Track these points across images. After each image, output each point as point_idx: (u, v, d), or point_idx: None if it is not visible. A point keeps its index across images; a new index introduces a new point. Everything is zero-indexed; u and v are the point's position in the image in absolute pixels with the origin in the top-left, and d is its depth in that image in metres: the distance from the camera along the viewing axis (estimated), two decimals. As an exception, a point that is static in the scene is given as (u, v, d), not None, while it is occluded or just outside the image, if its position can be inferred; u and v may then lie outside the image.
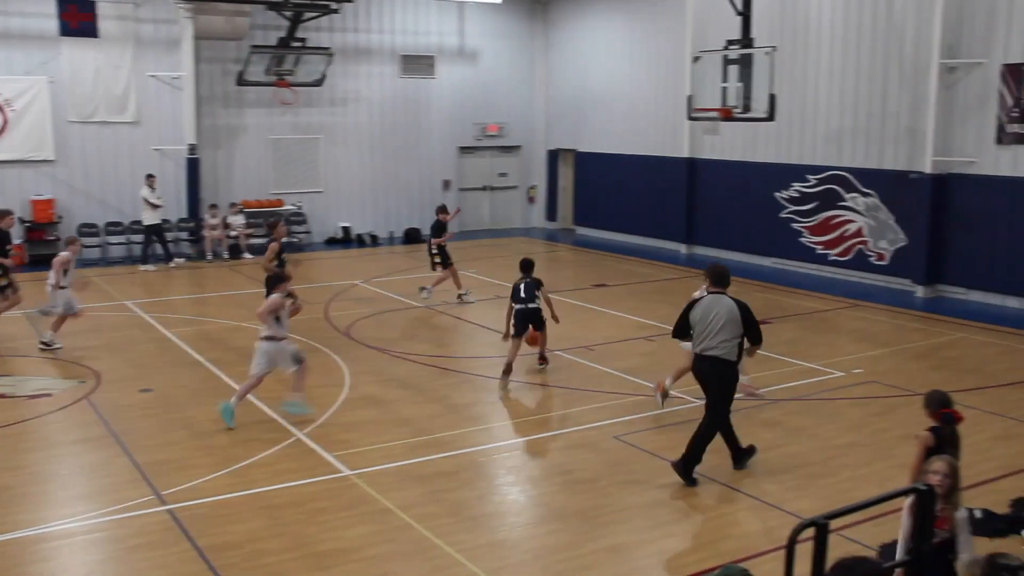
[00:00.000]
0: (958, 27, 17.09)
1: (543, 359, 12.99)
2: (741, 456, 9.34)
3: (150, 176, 21.50)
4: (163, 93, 22.74)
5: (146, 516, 8.25)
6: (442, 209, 17.60)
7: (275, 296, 10.81)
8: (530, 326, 12.38)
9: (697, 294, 9.79)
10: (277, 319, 10.62)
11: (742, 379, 10.12)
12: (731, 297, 9.19)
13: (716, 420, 9.10)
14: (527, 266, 12.90)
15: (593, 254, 18.60)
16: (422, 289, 17.40)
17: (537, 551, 7.65)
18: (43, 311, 14.12)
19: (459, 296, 17.28)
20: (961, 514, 6.08)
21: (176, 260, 21.66)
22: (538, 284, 12.62)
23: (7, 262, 14.36)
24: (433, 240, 17.20)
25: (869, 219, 18.99)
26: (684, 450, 9.00)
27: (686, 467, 8.95)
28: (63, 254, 14.00)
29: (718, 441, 9.21)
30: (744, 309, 9.03)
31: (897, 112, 18.37)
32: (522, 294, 12.43)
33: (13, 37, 21.12)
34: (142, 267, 21.14)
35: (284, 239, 14.63)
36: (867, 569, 4.54)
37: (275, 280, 11.52)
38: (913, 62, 17.97)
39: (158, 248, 21.49)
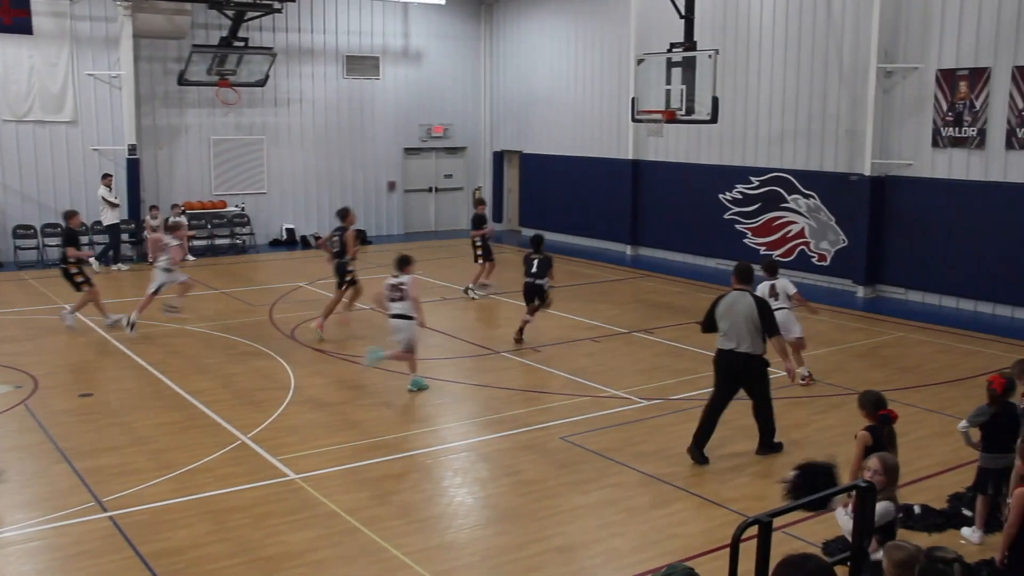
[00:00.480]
0: (895, 32, 17.44)
1: (520, 333, 14.34)
2: (700, 447, 9.70)
3: (106, 175, 21.36)
4: (102, 92, 22.35)
5: (86, 523, 8.08)
6: (480, 202, 18.95)
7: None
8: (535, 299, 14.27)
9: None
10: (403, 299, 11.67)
11: (799, 371, 11.80)
12: (751, 294, 9.84)
13: (769, 402, 9.93)
14: (536, 242, 14.51)
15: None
16: (467, 289, 18.18)
17: (485, 552, 7.64)
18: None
19: (467, 289, 18.14)
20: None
21: (120, 265, 21.32)
22: (549, 262, 14.32)
23: (81, 254, 15.21)
24: (473, 232, 18.22)
25: (811, 220, 19.28)
26: (761, 439, 9.91)
27: (770, 444, 9.91)
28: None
29: (671, 443, 9.27)
30: (761, 305, 9.68)
31: (837, 115, 18.68)
32: (533, 269, 14.30)
33: (-56, 34, 20.63)
34: (114, 266, 21.03)
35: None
36: (814, 566, 4.59)
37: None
38: (852, 66, 18.30)
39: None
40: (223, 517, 8.21)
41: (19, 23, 21.03)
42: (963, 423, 7.91)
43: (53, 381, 12.33)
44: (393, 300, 11.73)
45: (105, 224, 21.18)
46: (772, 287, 12.18)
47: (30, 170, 21.82)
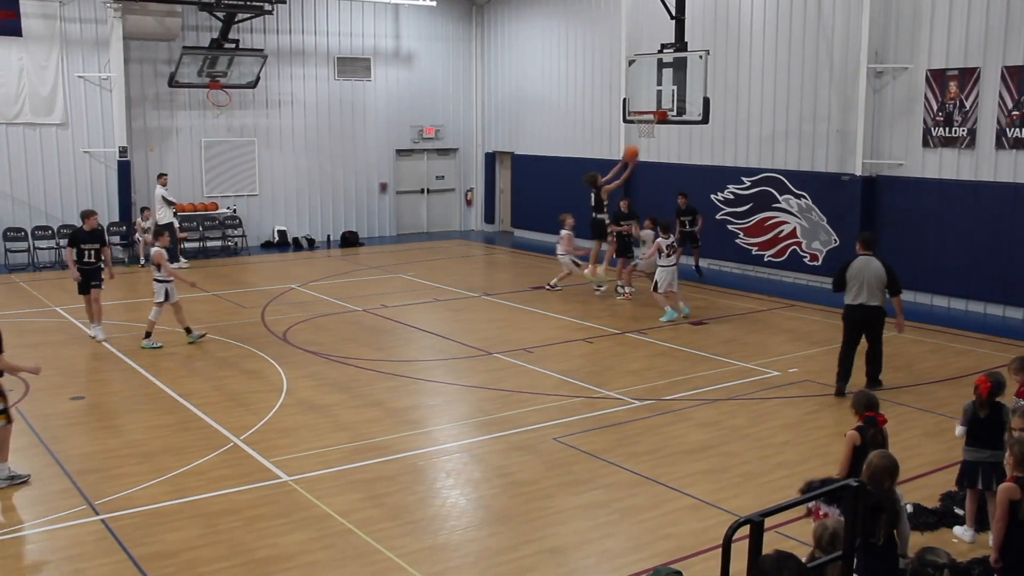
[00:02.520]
0: (885, 33, 17.50)
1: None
2: (844, 383, 11.75)
3: (162, 175, 21.80)
4: (92, 94, 22.28)
5: (78, 527, 8.06)
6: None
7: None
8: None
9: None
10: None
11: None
12: (878, 258, 11.67)
13: (882, 345, 12.02)
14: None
15: (531, 256, 18.66)
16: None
17: (478, 554, 7.64)
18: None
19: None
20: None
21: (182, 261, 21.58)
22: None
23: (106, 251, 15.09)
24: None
25: (802, 220, 19.32)
26: (869, 376, 11.95)
27: (876, 380, 11.94)
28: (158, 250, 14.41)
29: (664, 443, 9.26)
30: (888, 267, 11.60)
31: (828, 115, 18.73)
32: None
33: (-66, 36, 20.55)
34: (173, 264, 20.95)
35: None
36: (793, 567, 4.59)
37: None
38: (843, 66, 18.35)
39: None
40: (215, 520, 8.20)
41: (8, 25, 20.98)
42: (959, 428, 7.93)
43: (44, 384, 12.27)
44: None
45: (161, 223, 21.28)
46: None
47: (20, 173, 21.75)
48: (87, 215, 15.01)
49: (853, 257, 11.85)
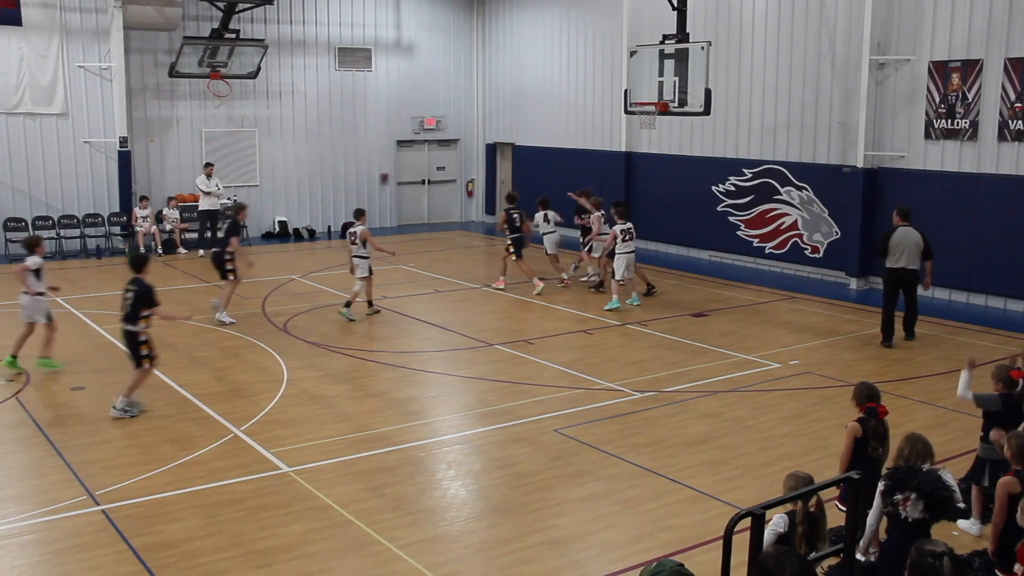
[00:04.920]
0: (887, 24, 17.45)
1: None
2: (889, 339, 13.82)
3: (208, 164, 22.13)
4: (92, 84, 22.23)
5: (79, 517, 8.07)
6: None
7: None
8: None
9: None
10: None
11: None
12: (914, 227, 13.58)
13: (916, 302, 14.01)
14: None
15: (531, 248, 18.70)
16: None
17: (478, 545, 7.64)
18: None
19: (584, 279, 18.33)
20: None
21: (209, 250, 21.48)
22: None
23: (238, 248, 15.35)
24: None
25: (804, 212, 19.29)
26: (909, 328, 14.05)
27: (912, 332, 14.07)
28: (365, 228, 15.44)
29: (664, 435, 9.24)
30: (924, 235, 13.62)
31: (829, 107, 18.68)
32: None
33: (-66, 25, 20.50)
34: (201, 252, 21.47)
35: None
36: (795, 562, 4.59)
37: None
38: (844, 58, 18.30)
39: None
40: (216, 510, 8.20)
41: (7, 14, 20.91)
42: (966, 391, 7.84)
43: (45, 375, 12.29)
44: None
45: (199, 210, 21.90)
46: None
47: (21, 163, 21.71)
48: (241, 208, 16.30)
49: (892, 228, 13.77)
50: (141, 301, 10.52)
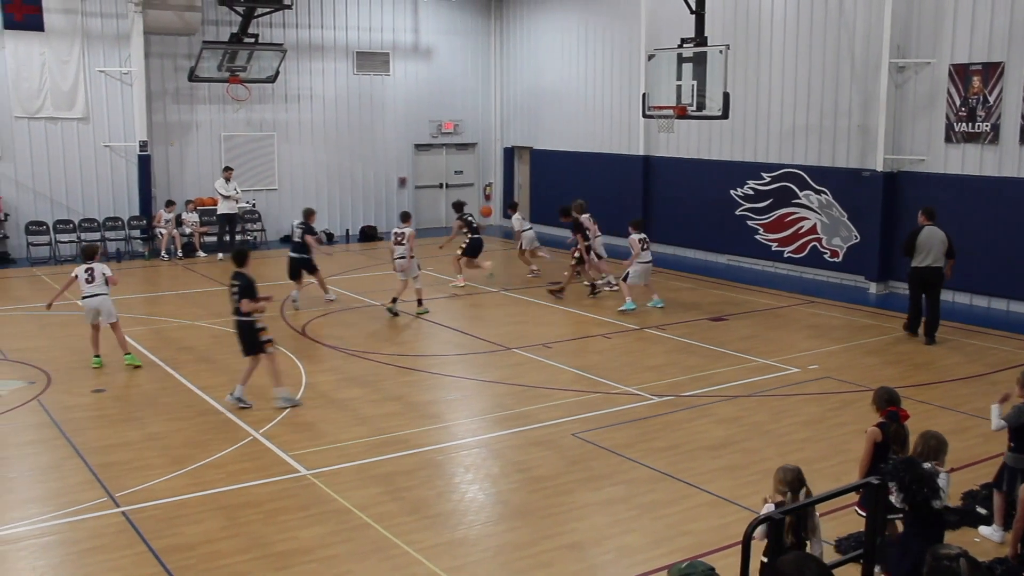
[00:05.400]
0: (907, 27, 17.35)
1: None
2: (915, 329, 14.45)
3: (227, 168, 22.28)
4: (113, 89, 22.39)
5: (99, 519, 8.12)
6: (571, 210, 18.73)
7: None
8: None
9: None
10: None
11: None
12: (939, 227, 13.98)
13: (939, 301, 14.33)
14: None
15: (550, 252, 18.69)
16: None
17: (496, 549, 7.63)
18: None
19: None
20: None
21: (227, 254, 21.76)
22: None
23: (313, 242, 16.87)
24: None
25: (823, 216, 19.21)
26: (929, 329, 14.24)
27: (933, 335, 14.20)
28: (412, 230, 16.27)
29: (683, 439, 9.22)
30: (948, 235, 14.01)
31: (849, 110, 18.60)
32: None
33: (-43, 31, 20.69)
34: (220, 255, 21.75)
35: None
36: (814, 568, 4.57)
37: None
38: (864, 61, 18.22)
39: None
40: (235, 513, 8.23)
41: (30, 20, 21.09)
42: (998, 422, 7.75)
43: (66, 377, 12.37)
44: None
45: (218, 214, 22.12)
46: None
47: (42, 167, 21.88)
48: (311, 212, 17.19)
49: (918, 228, 14.14)
50: (246, 293, 11.01)
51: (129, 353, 12.98)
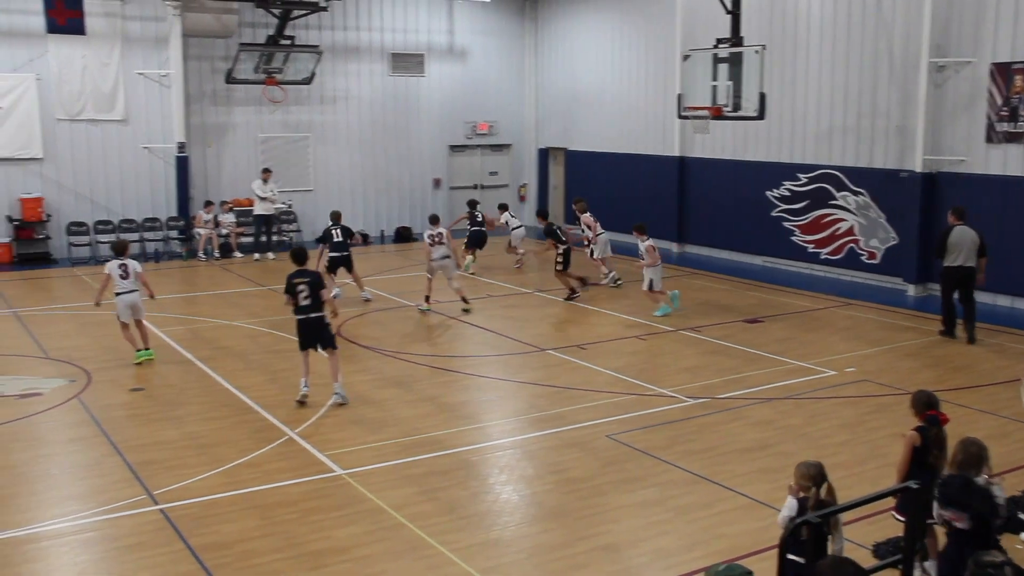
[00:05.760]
0: (947, 26, 17.14)
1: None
2: (952, 329, 14.46)
3: (265, 170, 22.65)
4: (151, 91, 22.63)
5: (138, 516, 8.21)
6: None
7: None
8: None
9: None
10: None
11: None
12: (971, 226, 13.98)
13: (974, 300, 14.35)
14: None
15: (585, 252, 18.69)
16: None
17: (530, 550, 7.63)
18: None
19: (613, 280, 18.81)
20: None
21: (270, 255, 22.39)
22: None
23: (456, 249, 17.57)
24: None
25: (860, 218, 19.03)
26: (969, 327, 14.23)
27: (973, 331, 14.22)
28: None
29: (718, 442, 9.18)
30: (980, 233, 13.99)
31: (887, 111, 18.41)
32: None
33: None
34: (256, 256, 22.17)
35: None
36: (851, 572, 4.53)
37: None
38: (903, 61, 18.02)
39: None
40: (270, 511, 8.30)
41: (72, 24, 21.38)
42: None
43: (105, 376, 12.53)
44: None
45: (254, 215, 22.45)
46: None
47: (83, 168, 22.18)
48: (338, 216, 17.73)
49: (949, 228, 14.18)
50: (317, 288, 11.17)
51: (149, 348, 13.30)
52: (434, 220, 17.06)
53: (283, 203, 24.27)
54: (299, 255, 11.66)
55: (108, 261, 13.36)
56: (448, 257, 16.36)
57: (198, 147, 23.40)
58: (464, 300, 16.50)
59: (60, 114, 21.74)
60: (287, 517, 8.19)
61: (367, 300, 17.20)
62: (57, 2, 21.19)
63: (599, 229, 18.91)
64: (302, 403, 11.20)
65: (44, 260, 21.44)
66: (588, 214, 18.95)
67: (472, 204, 21.67)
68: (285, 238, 24.20)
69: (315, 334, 11.32)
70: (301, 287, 11.19)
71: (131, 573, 7.27)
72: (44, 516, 8.27)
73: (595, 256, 18.91)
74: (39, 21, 21.16)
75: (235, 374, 12.60)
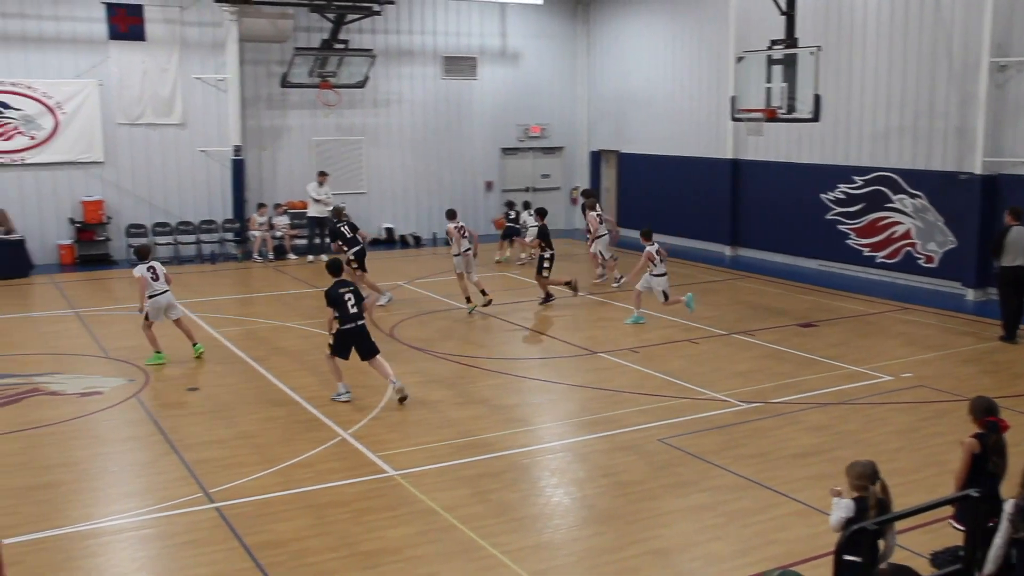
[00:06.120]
0: (1009, 24, 16.79)
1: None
2: (1013, 332, 14.30)
3: (321, 173, 22.99)
4: (208, 95, 22.99)
5: (194, 514, 8.35)
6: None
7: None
8: None
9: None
10: None
11: None
12: None
13: None
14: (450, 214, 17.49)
15: (636, 256, 18.55)
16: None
17: (581, 553, 7.63)
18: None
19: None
20: None
21: (323, 256, 22.45)
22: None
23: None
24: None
25: (917, 221, 18.72)
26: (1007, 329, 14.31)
27: (1012, 334, 14.29)
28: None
29: (771, 447, 9.10)
30: None
31: (946, 111, 18.09)
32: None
33: (64, 41, 21.45)
34: (310, 258, 22.56)
35: None
36: None
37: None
38: (962, 60, 17.69)
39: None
40: (324, 511, 8.38)
41: (133, 30, 21.85)
42: None
43: (162, 375, 12.75)
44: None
45: (308, 217, 22.85)
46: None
47: (142, 171, 22.60)
48: (341, 211, 18.17)
49: (1006, 228, 14.18)
50: (360, 297, 11.48)
51: (197, 343, 13.68)
52: (452, 215, 17.37)
53: (336, 206, 24.48)
54: (336, 266, 11.81)
55: (136, 266, 13.49)
56: (470, 250, 16.56)
57: (253, 150, 23.71)
58: (483, 292, 16.60)
59: (120, 119, 22.17)
60: (340, 517, 8.27)
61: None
62: (119, 9, 21.65)
63: (601, 230, 19.53)
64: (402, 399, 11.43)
65: (104, 261, 21.88)
66: (595, 213, 19.70)
67: (509, 205, 23.32)
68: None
69: (364, 341, 11.47)
70: (348, 296, 11.36)
71: (187, 570, 7.39)
72: (104, 512, 8.44)
73: (594, 250, 19.57)
74: (101, 28, 21.63)
75: (289, 374, 12.75)
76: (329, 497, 8.70)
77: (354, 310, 11.34)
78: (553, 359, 13.74)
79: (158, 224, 22.62)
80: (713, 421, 10.79)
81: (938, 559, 7.20)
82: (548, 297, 17.22)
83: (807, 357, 13.55)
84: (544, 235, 17.40)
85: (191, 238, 22.67)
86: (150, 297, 13.23)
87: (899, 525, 6.87)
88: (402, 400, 11.35)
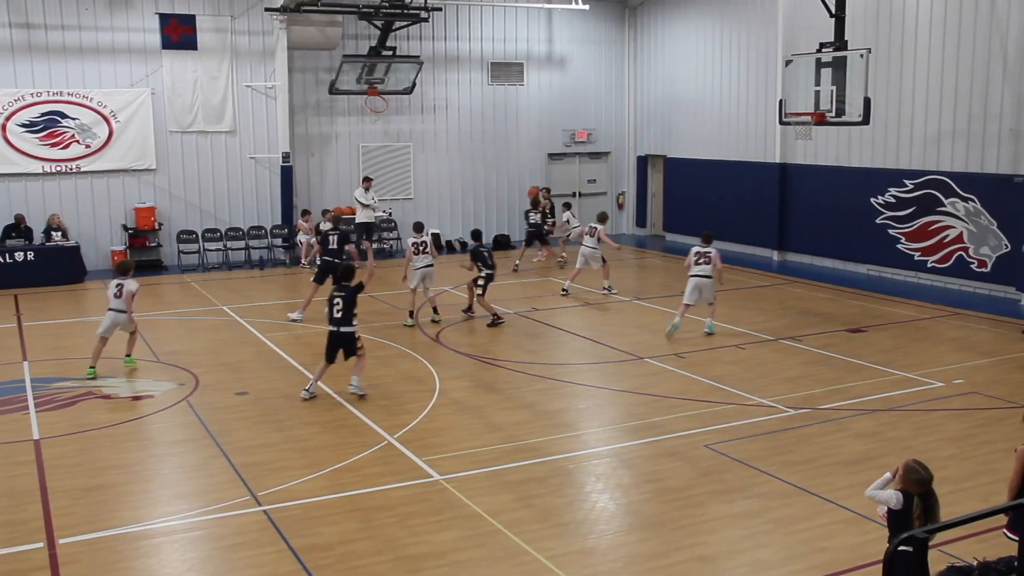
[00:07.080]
0: (1065, 26, 16.49)
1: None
2: None
3: (366, 179, 23.14)
4: (258, 102, 23.30)
5: (243, 516, 8.46)
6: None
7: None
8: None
9: None
10: None
11: None
12: None
13: None
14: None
15: (683, 261, 18.49)
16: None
17: (626, 559, 7.61)
18: None
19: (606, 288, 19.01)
20: None
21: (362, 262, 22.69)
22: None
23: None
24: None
25: (969, 225, 18.42)
26: None
27: None
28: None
29: (819, 453, 9.01)
30: None
31: (999, 113, 17.78)
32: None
33: (119, 51, 21.87)
34: (357, 264, 22.66)
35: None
36: None
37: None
38: (1017, 61, 17.38)
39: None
40: (370, 515, 8.45)
41: (185, 39, 22.24)
42: None
43: (212, 379, 12.93)
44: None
45: (356, 222, 22.90)
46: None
47: (193, 178, 22.96)
48: (338, 219, 17.98)
49: None
50: (352, 305, 11.75)
51: (130, 355, 13.70)
52: (418, 228, 17.09)
53: (383, 211, 24.68)
54: (347, 272, 12.18)
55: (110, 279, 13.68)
56: (431, 266, 16.20)
57: (302, 157, 23.98)
58: (435, 311, 16.47)
59: (172, 126, 22.54)
60: (386, 521, 8.33)
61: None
62: (172, 19, 22.04)
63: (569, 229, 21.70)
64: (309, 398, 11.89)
65: (156, 267, 22.24)
66: (570, 212, 22.25)
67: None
68: (385, 246, 24.60)
69: (347, 346, 11.89)
70: (336, 301, 11.72)
71: (236, 572, 7.50)
72: (156, 514, 8.59)
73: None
74: (155, 38, 22.03)
75: (336, 380, 12.84)
76: (375, 501, 8.76)
77: (338, 315, 11.65)
78: (599, 364, 13.72)
79: (208, 230, 22.94)
80: (760, 427, 10.71)
81: (992, 570, 7.07)
82: (498, 319, 16.16)
83: (856, 363, 13.39)
84: (479, 257, 16.54)
85: (240, 244, 22.96)
86: (107, 310, 13.32)
87: (951, 534, 6.78)
88: (360, 397, 11.91)
